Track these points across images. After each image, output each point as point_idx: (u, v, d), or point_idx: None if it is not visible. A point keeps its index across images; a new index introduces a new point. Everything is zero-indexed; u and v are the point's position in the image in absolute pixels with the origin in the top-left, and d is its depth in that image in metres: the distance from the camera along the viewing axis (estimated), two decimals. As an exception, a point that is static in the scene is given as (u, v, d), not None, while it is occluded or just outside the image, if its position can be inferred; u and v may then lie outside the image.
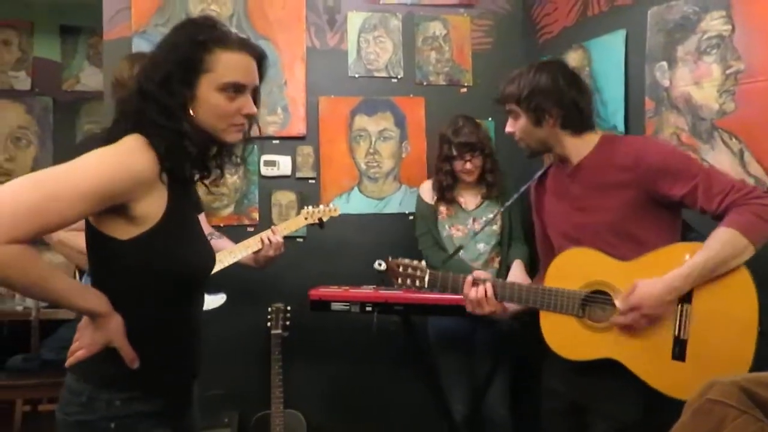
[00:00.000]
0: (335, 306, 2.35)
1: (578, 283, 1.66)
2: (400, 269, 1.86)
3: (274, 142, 2.88)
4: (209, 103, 1.22)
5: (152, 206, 1.19)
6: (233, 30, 1.28)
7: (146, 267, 1.20)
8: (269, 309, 2.72)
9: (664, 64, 2.12)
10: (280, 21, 2.88)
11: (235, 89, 1.24)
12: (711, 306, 1.52)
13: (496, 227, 2.57)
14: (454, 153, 2.51)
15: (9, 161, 4.32)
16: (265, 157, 2.87)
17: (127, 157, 1.15)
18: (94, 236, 1.21)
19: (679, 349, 1.54)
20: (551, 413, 1.82)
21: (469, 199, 2.61)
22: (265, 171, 2.88)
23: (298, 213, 2.64)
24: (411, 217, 2.96)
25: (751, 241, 1.48)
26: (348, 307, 2.34)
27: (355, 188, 2.98)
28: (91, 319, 1.19)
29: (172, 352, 1.28)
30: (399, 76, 3.01)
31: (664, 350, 1.55)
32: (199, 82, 1.21)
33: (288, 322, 2.71)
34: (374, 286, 2.44)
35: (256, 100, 1.30)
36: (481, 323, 2.50)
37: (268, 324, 2.70)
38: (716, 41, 1.93)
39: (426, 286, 1.83)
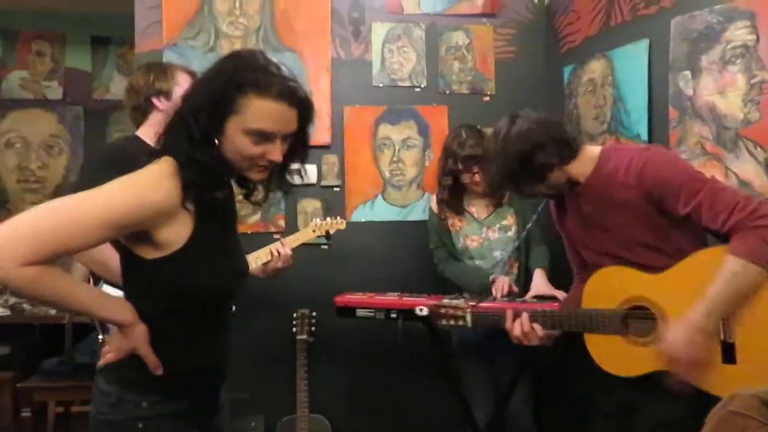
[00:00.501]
0: (360, 312, 2.38)
1: (615, 301, 1.67)
2: (442, 311, 1.89)
3: (299, 150, 2.93)
4: (234, 143, 1.23)
5: (175, 233, 1.22)
6: (283, 70, 1.25)
7: (170, 285, 1.24)
8: (294, 315, 2.78)
9: (688, 73, 2.13)
10: (305, 33, 2.94)
11: (261, 136, 1.23)
12: (752, 308, 1.51)
13: (511, 233, 2.57)
14: (461, 167, 2.48)
15: (42, 169, 4.44)
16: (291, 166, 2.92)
17: (148, 189, 1.18)
18: (123, 252, 1.27)
19: (729, 353, 1.53)
20: (600, 416, 1.84)
21: (480, 209, 2.60)
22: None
23: (323, 220, 2.70)
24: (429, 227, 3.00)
25: (762, 266, 1.47)
26: (373, 314, 2.37)
27: (379, 196, 3.02)
28: (117, 327, 1.25)
29: (195, 360, 1.32)
30: (422, 86, 3.05)
31: (714, 356, 1.54)
32: (227, 121, 1.22)
33: (313, 328, 2.76)
34: (399, 293, 2.47)
35: (303, 141, 1.31)
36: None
37: (294, 329, 2.75)
38: (741, 51, 1.93)
39: (469, 325, 1.87)
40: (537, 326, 1.76)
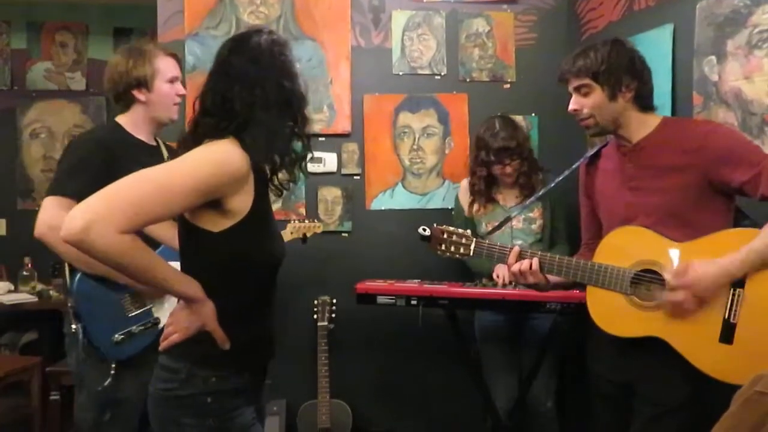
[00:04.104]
0: (381, 299, 2.39)
1: (629, 260, 1.67)
2: (445, 236, 1.87)
3: (320, 139, 2.95)
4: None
5: (242, 201, 1.29)
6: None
7: (235, 256, 1.31)
8: (315, 302, 2.81)
9: (713, 58, 2.10)
10: (325, 21, 2.95)
11: None
12: (763, 293, 1.52)
13: (534, 226, 2.57)
14: (492, 158, 2.48)
15: (66, 158, 4.50)
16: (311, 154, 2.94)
17: (228, 156, 1.26)
18: (187, 229, 1.31)
19: (727, 333, 1.54)
20: (600, 398, 1.85)
21: (508, 198, 2.60)
22: (312, 167, 2.95)
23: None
24: (454, 213, 3.00)
25: None
26: (393, 301, 2.38)
27: (399, 184, 3.03)
28: (187, 304, 1.30)
29: (255, 333, 1.39)
30: (442, 73, 3.04)
31: (712, 332, 1.55)
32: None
33: (333, 315, 2.79)
34: (419, 281, 2.48)
35: None
36: (528, 317, 2.52)
37: (315, 316, 2.78)
38: (768, 35, 1.90)
39: (471, 254, 1.86)
40: (535, 268, 1.76)
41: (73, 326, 1.90)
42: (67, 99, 4.52)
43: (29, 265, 3.71)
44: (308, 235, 2.63)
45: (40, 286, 3.69)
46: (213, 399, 1.30)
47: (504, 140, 2.47)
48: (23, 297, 3.55)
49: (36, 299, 3.58)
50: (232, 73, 1.32)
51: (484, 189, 2.57)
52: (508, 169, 2.51)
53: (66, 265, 1.99)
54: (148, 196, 1.16)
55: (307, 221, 2.65)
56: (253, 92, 1.31)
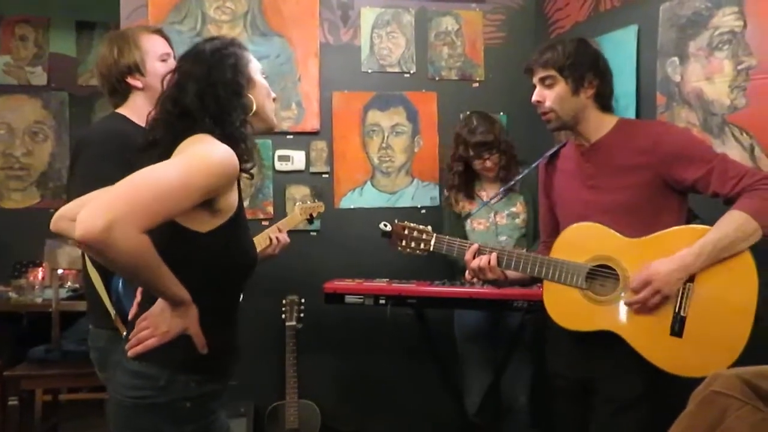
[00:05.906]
0: (349, 299, 2.39)
1: (584, 256, 1.70)
2: (406, 232, 1.89)
3: (288, 137, 2.92)
4: (260, 87, 1.40)
5: (230, 199, 1.28)
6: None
7: (221, 257, 1.30)
8: (283, 301, 2.78)
9: (676, 59, 2.14)
10: (294, 17, 2.91)
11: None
12: (712, 287, 1.56)
13: (518, 221, 2.58)
14: (471, 153, 2.52)
15: (26, 155, 4.37)
16: (279, 152, 2.91)
17: (228, 153, 1.24)
18: (173, 231, 1.24)
19: (678, 326, 1.58)
20: (560, 395, 1.87)
21: (490, 193, 2.60)
22: (280, 166, 2.92)
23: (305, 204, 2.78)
24: (423, 211, 3.00)
25: (761, 225, 1.52)
26: (362, 300, 2.38)
27: (368, 182, 3.02)
28: (173, 306, 1.25)
29: (230, 336, 1.38)
30: (411, 71, 3.03)
31: (664, 326, 1.59)
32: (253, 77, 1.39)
33: (302, 314, 2.76)
34: (387, 280, 2.48)
35: None
36: (503, 315, 2.53)
37: (283, 316, 2.75)
38: (728, 37, 1.94)
39: (431, 249, 1.87)
40: (493, 263, 1.79)
41: (125, 334, 1.78)
42: (28, 94, 4.40)
43: (-13, 266, 3.60)
44: (314, 215, 2.61)
45: (-2, 288, 3.58)
46: (192, 404, 1.28)
47: (482, 134, 2.51)
48: (-19, 299, 3.44)
49: (-6, 301, 3.47)
50: (195, 74, 1.32)
51: (461, 184, 2.60)
52: (488, 164, 2.54)
53: (86, 263, 1.82)
54: (164, 193, 1.12)
55: (309, 201, 2.65)
56: (216, 89, 1.30)
